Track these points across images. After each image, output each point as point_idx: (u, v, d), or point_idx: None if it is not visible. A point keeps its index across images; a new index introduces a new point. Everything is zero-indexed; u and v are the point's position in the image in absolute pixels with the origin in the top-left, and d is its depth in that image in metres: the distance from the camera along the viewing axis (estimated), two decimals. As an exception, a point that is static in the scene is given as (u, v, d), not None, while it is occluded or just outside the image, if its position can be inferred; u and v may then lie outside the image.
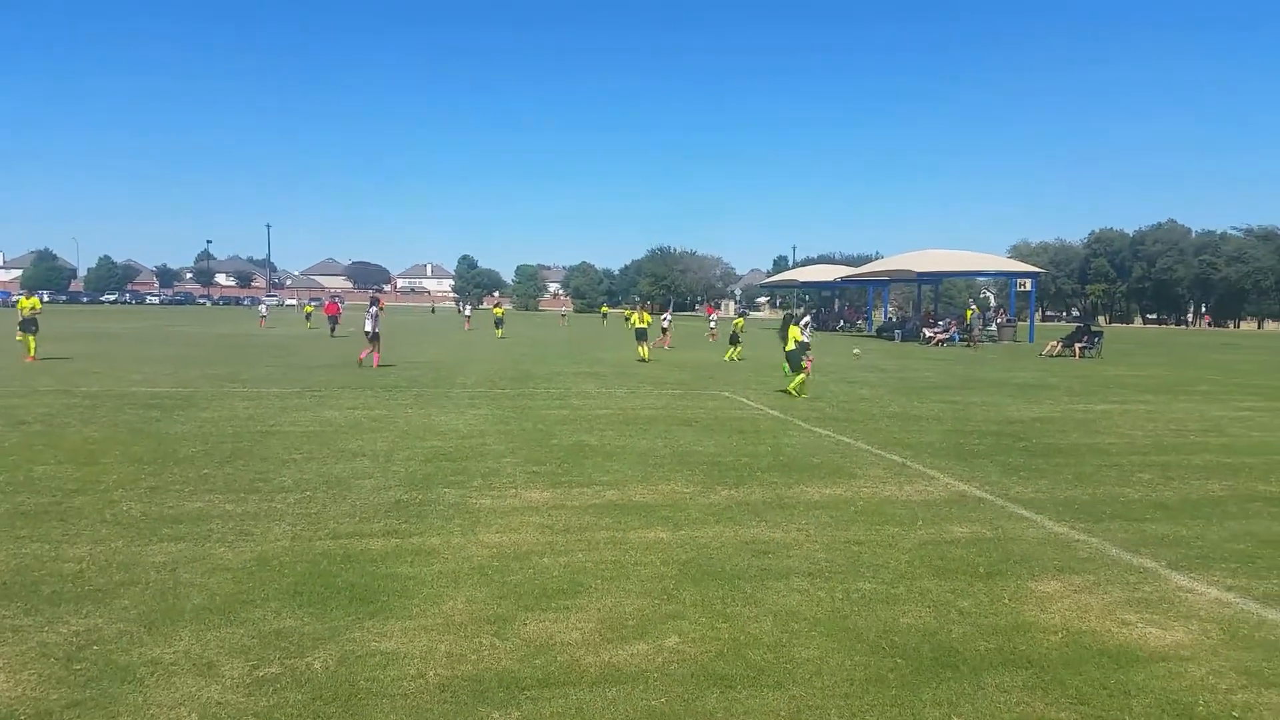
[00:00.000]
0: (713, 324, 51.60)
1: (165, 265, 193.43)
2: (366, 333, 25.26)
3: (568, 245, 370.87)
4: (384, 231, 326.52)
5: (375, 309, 25.80)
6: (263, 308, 61.33)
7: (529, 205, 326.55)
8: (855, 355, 33.21)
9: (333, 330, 45.04)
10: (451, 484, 9.48)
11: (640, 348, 29.15)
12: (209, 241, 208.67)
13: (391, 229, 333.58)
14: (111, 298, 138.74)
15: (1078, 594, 6.29)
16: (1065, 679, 4.86)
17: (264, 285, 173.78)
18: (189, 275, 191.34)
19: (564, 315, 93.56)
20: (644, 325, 29.95)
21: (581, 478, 9.93)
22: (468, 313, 65.24)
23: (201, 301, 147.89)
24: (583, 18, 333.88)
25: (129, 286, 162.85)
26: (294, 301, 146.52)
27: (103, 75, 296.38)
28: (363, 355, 24.99)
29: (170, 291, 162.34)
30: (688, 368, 27.06)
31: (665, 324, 39.58)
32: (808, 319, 21.53)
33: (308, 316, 57.53)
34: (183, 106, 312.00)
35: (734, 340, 32.09)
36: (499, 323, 49.45)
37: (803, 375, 19.16)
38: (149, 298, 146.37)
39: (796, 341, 19.24)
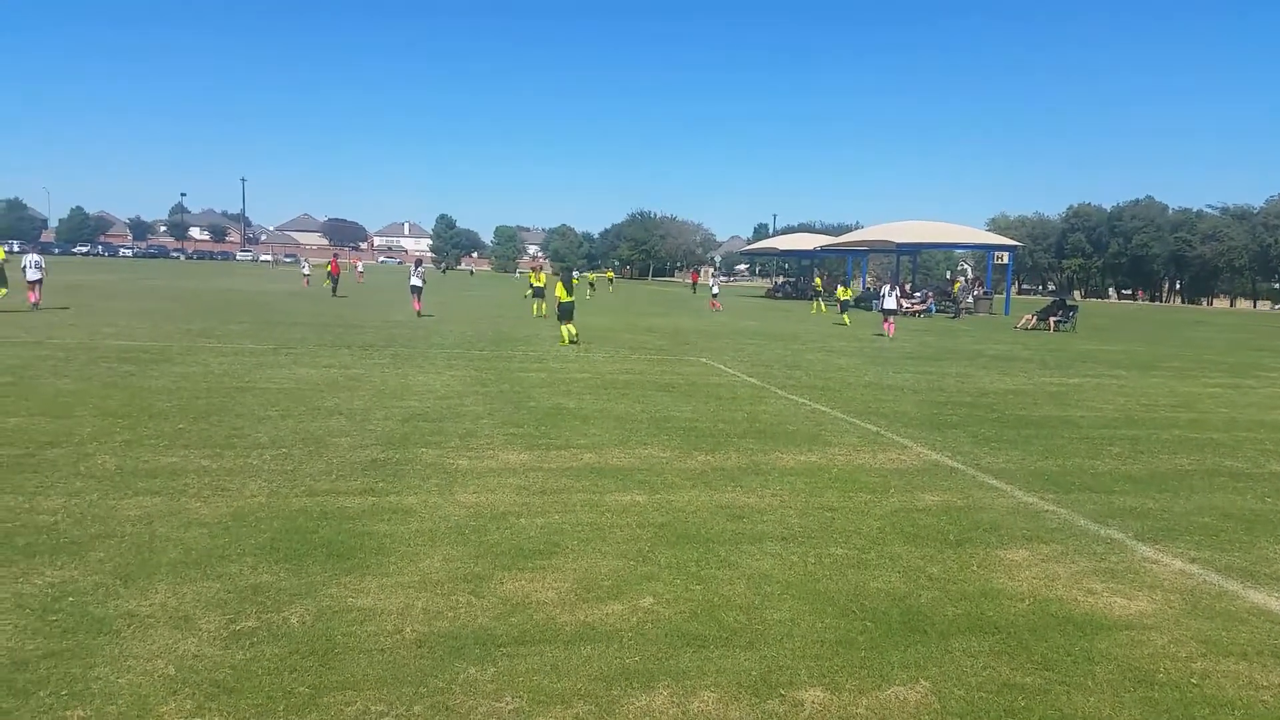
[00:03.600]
0: (715, 290, 51.28)
1: (139, 217, 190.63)
2: (414, 287, 31.22)
3: (548, 208, 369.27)
4: (361, 189, 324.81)
5: (421, 269, 32.55)
6: (305, 266, 61.18)
7: (510, 167, 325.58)
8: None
9: (334, 290, 42.76)
10: (429, 444, 9.49)
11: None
12: (183, 194, 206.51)
13: (369, 186, 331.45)
14: (83, 250, 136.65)
15: (1045, 563, 6.41)
16: (1031, 645, 4.97)
17: (239, 240, 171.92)
18: (163, 228, 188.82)
19: (472, 271, 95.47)
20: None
21: (559, 440, 9.96)
22: (306, 270, 60.08)
23: (175, 255, 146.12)
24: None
25: (101, 238, 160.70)
26: (269, 258, 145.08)
27: (77, 23, 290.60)
28: (418, 306, 30.32)
29: (144, 244, 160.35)
30: (665, 333, 27.09)
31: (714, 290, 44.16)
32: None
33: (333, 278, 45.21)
34: (158, 57, 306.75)
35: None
36: (539, 293, 35.22)
37: (570, 326, 21.87)
38: (122, 250, 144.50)
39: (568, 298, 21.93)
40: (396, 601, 5.22)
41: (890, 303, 30.74)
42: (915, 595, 5.67)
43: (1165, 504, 8.20)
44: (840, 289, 41.74)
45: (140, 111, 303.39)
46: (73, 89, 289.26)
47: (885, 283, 37.44)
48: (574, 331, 22.08)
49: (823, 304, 50.04)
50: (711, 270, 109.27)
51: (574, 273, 24.17)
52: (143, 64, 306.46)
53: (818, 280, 56.62)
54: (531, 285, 35.34)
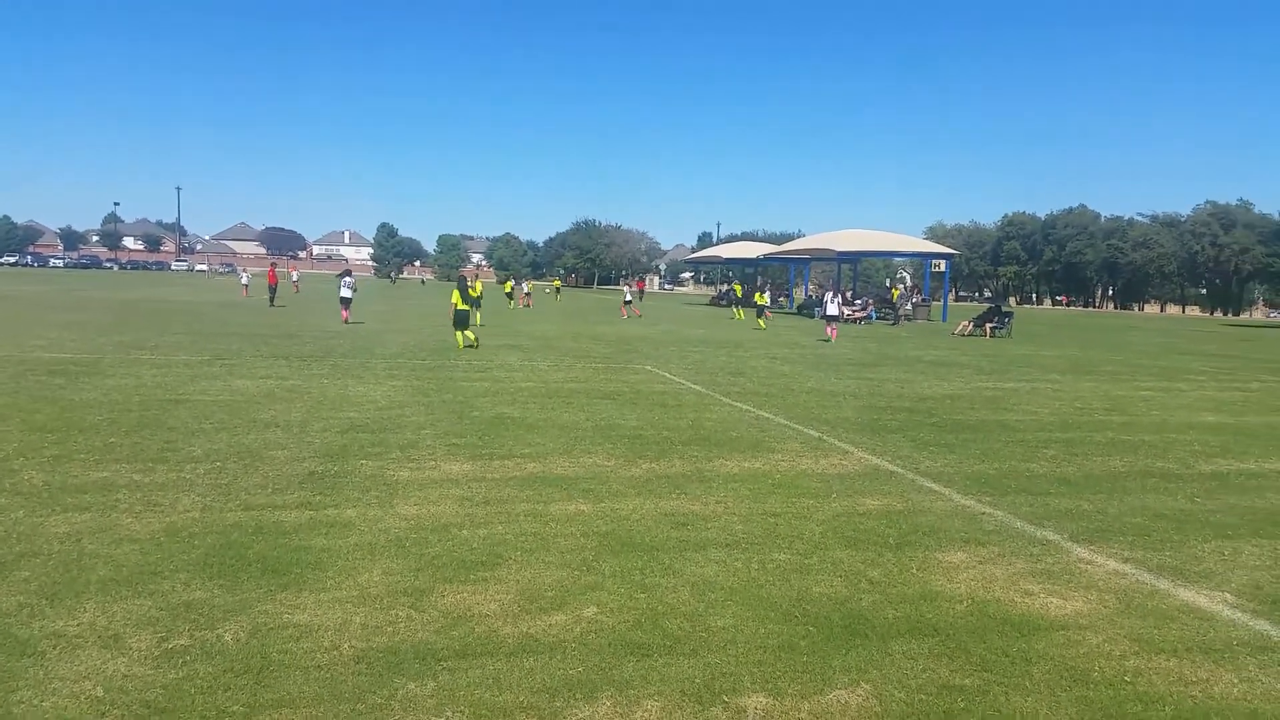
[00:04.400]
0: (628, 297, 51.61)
1: (70, 227, 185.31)
2: (344, 298, 31.29)
3: (492, 216, 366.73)
4: (300, 197, 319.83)
5: (350, 279, 32.24)
6: (244, 277, 58.93)
7: (453, 175, 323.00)
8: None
9: (271, 300, 41.89)
10: (369, 455, 9.36)
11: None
12: (116, 204, 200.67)
13: (308, 194, 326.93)
14: (11, 260, 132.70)
15: (983, 564, 6.51)
16: (970, 646, 5.03)
17: (174, 250, 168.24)
18: (95, 238, 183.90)
19: (424, 281, 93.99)
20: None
21: (502, 450, 9.89)
22: (245, 280, 57.27)
23: (108, 266, 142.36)
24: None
25: (30, 248, 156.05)
26: (204, 267, 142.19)
27: (3, 29, 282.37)
28: (346, 316, 30.26)
29: (75, 255, 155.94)
30: (610, 341, 27.08)
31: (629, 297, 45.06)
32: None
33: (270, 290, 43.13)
34: (88, 62, 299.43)
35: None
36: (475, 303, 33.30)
37: (468, 331, 22.67)
38: (52, 260, 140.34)
39: (463, 306, 22.64)
40: (334, 617, 5.12)
41: (833, 309, 31.73)
42: (856, 599, 5.72)
43: (1099, 505, 8.38)
44: (758, 295, 43.48)
45: (71, 118, 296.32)
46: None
47: (828, 290, 38.17)
48: (472, 337, 22.69)
49: (740, 311, 50.60)
50: (624, 278, 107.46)
51: (468, 280, 24.34)
52: (73, 70, 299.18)
53: (736, 286, 57.40)
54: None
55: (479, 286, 34.87)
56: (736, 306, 52.97)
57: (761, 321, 39.22)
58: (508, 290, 59.35)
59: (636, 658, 4.74)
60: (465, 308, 22.73)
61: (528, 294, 56.89)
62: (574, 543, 6.68)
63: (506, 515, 7.32)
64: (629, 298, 50.98)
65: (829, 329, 31.61)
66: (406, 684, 4.35)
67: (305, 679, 4.36)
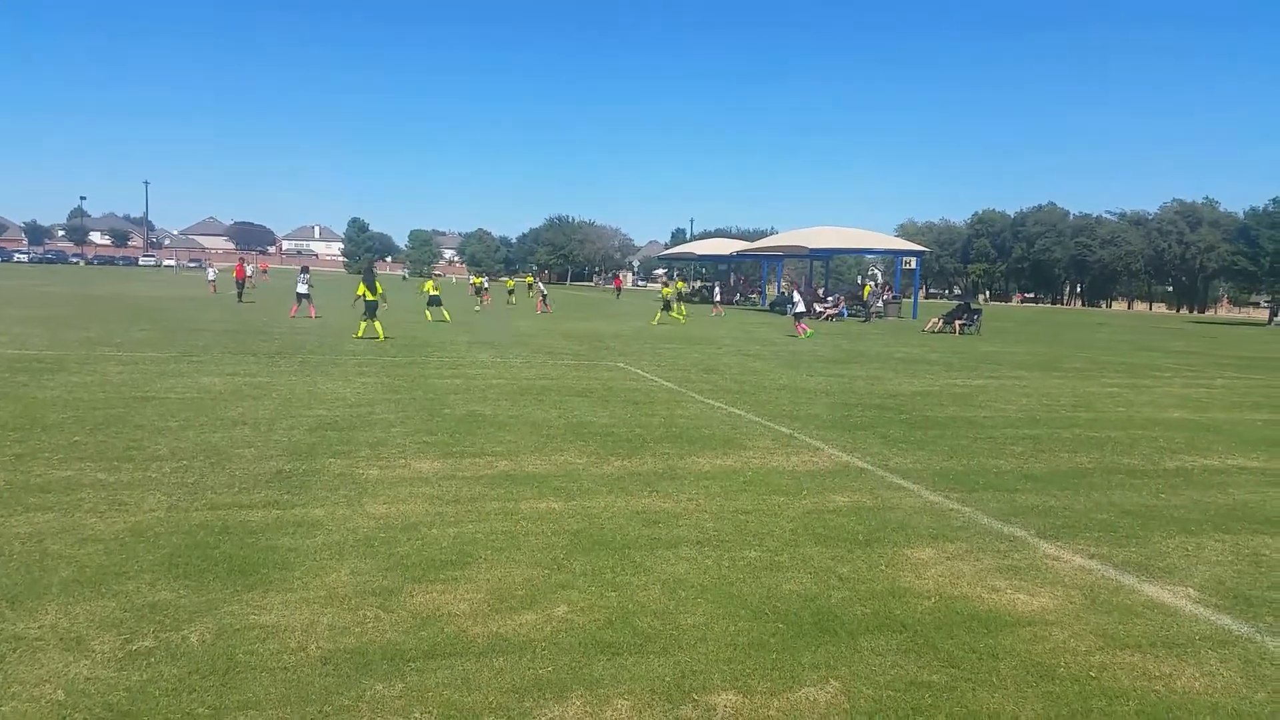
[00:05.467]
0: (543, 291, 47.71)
1: (35, 221, 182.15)
2: (300, 294, 32.18)
3: (464, 212, 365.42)
4: (270, 191, 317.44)
5: (307, 275, 33.52)
6: (211, 272, 55.87)
7: (425, 170, 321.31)
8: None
9: (240, 295, 41.30)
10: (337, 454, 9.29)
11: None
12: (83, 198, 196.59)
13: (278, 189, 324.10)
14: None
15: (951, 561, 6.56)
16: (937, 642, 5.07)
17: (142, 244, 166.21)
18: (61, 233, 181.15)
19: (405, 276, 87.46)
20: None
21: (473, 448, 9.85)
22: (211, 276, 54.39)
23: (75, 261, 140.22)
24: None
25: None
26: (172, 262, 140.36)
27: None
28: (294, 311, 30.63)
29: (41, 249, 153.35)
30: (583, 338, 27.04)
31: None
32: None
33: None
34: (54, 54, 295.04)
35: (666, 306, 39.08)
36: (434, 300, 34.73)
37: (376, 322, 23.33)
38: (16, 255, 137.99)
39: (375, 296, 23.49)
40: (301, 617, 5.08)
41: (801, 306, 32.17)
42: (826, 596, 5.74)
43: (1066, 501, 8.46)
44: (664, 288, 44.70)
45: (36, 111, 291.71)
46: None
47: (796, 288, 38.33)
48: (379, 330, 23.28)
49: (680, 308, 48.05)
50: (534, 271, 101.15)
51: (374, 272, 25.01)
52: (37, 62, 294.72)
53: (665, 290, 50.19)
54: (428, 293, 34.83)
55: (431, 285, 35.04)
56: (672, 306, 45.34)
57: (676, 313, 39.65)
58: (510, 286, 57.84)
59: (607, 656, 4.74)
60: (374, 298, 23.74)
61: (485, 290, 50.96)
62: (545, 541, 6.66)
63: (477, 514, 7.29)
64: (544, 290, 46.69)
65: (799, 326, 32.13)
66: (374, 685, 4.32)
67: (272, 680, 4.32)
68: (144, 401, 11.97)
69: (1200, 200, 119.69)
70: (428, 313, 33.14)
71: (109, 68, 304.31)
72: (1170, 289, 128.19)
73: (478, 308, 43.21)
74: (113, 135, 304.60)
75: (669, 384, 16.23)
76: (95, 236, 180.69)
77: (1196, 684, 4.67)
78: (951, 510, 8.00)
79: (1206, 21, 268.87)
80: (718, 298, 55.19)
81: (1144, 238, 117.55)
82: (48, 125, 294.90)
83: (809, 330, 31.80)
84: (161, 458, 8.79)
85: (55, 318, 26.55)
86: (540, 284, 48.80)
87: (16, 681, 4.21)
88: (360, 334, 23.45)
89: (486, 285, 52.31)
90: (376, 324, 23.53)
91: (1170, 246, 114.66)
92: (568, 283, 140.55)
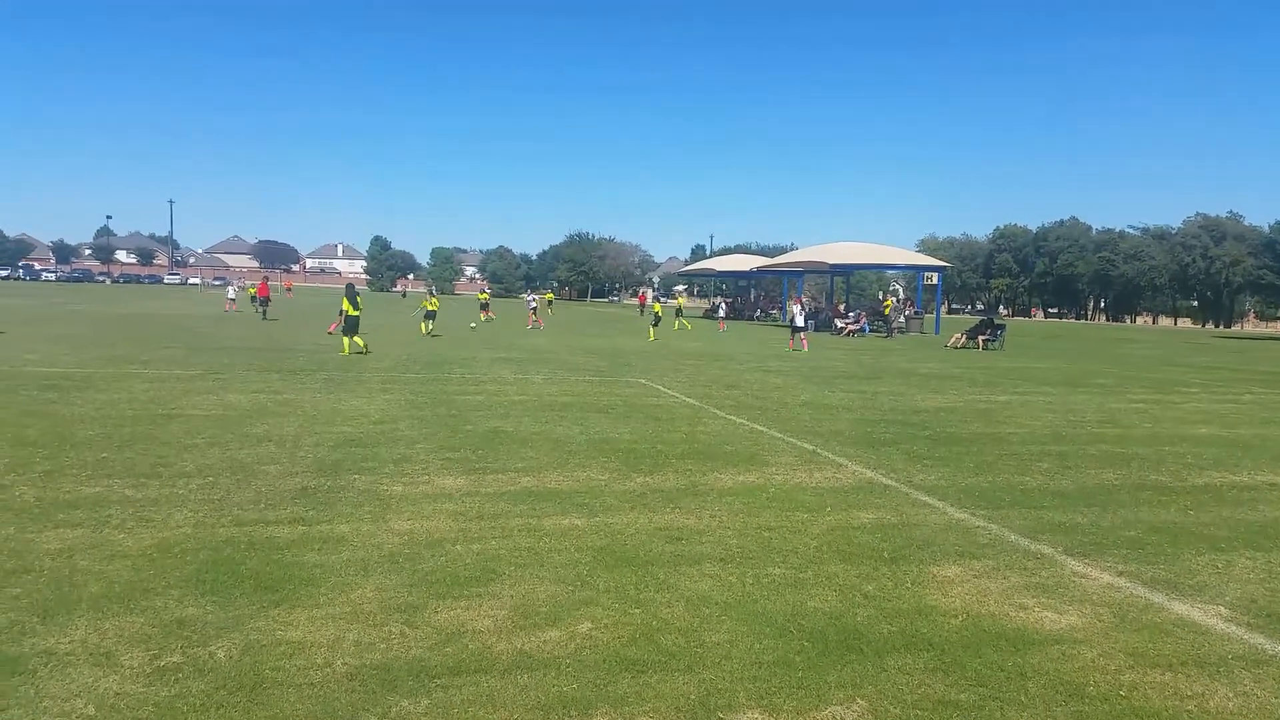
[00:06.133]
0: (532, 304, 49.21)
1: (62, 240, 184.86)
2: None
3: (486, 229, 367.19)
4: (293, 210, 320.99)
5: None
6: (231, 290, 55.10)
7: (446, 188, 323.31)
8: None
9: (264, 313, 41.74)
10: (362, 470, 9.33)
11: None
12: (109, 217, 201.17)
13: (301, 207, 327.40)
14: (3, 273, 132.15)
15: (977, 579, 6.50)
16: (965, 661, 5.02)
17: (166, 263, 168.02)
18: (87, 252, 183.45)
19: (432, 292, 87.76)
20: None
21: (496, 464, 9.87)
22: (232, 294, 53.14)
23: (101, 279, 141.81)
24: (506, 2, 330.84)
25: (22, 262, 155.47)
26: (197, 281, 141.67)
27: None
28: (332, 328, 29.56)
29: (68, 268, 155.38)
30: (604, 354, 27.07)
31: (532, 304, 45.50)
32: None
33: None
34: (82, 75, 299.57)
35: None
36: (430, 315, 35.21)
37: (357, 338, 23.83)
38: (44, 274, 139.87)
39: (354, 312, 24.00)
40: (327, 633, 5.09)
41: (800, 320, 33.02)
42: (851, 614, 5.71)
43: (1093, 518, 8.38)
44: (654, 304, 45.84)
45: (63, 131, 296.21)
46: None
47: (795, 302, 37.94)
48: (361, 344, 23.96)
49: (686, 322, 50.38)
50: (529, 288, 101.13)
51: (357, 290, 25.38)
52: (66, 82, 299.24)
53: (656, 306, 49.14)
54: (425, 309, 35.64)
55: (434, 302, 35.98)
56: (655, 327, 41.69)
57: (672, 328, 40.77)
58: (550, 299, 58.96)
59: (631, 674, 4.72)
60: (356, 314, 24.28)
61: (487, 306, 49.95)
62: (568, 558, 6.66)
63: (500, 530, 7.30)
64: (533, 304, 48.61)
65: (795, 339, 32.27)
66: (400, 701, 4.33)
67: (298, 696, 4.33)
68: (170, 418, 12.08)
69: (1224, 214, 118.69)
70: (422, 325, 34.16)
71: (135, 88, 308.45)
72: (1195, 304, 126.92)
73: (473, 324, 42.30)
74: (138, 154, 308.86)
75: (690, 400, 16.21)
76: (121, 255, 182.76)
77: (1230, 704, 4.60)
78: (978, 527, 7.94)
79: (1230, 32, 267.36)
80: (722, 313, 56.57)
81: (1168, 252, 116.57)
82: (75, 145, 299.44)
83: (803, 348, 31.24)
84: (188, 474, 8.87)
85: (83, 336, 26.87)
86: (531, 298, 52.44)
87: (48, 696, 4.25)
88: (346, 351, 23.40)
89: (488, 301, 52.57)
90: (358, 339, 24.08)
91: (1195, 261, 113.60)
92: (588, 299, 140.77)
